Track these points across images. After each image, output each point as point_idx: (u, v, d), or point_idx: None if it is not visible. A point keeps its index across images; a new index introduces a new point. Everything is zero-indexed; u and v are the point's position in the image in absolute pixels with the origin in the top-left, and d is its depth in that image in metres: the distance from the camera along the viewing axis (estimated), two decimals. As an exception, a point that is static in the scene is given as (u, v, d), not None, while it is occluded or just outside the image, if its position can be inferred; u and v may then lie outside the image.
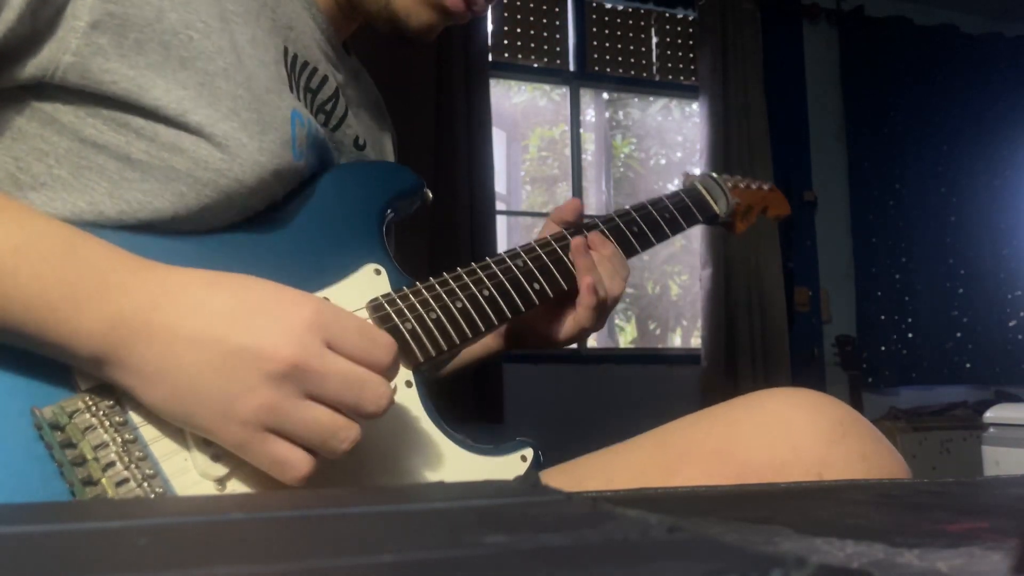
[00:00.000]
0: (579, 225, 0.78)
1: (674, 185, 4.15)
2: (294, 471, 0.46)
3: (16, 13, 0.49)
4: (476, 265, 0.68)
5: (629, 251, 0.79)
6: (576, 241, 0.73)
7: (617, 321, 4.00)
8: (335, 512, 0.27)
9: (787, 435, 0.55)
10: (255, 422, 0.45)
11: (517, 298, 0.68)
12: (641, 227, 0.80)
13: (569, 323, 0.75)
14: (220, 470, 0.49)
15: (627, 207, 0.82)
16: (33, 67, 0.51)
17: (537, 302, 0.70)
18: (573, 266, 0.73)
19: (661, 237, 0.82)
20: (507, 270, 0.69)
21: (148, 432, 0.49)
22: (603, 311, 0.75)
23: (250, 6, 0.60)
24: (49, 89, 0.52)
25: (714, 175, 0.91)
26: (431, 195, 0.72)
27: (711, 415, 0.61)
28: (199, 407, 0.45)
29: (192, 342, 0.45)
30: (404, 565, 0.18)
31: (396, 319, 0.60)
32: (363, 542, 0.22)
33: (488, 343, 0.84)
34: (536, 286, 0.70)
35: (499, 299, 0.67)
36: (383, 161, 0.80)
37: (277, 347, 0.45)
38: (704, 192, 0.89)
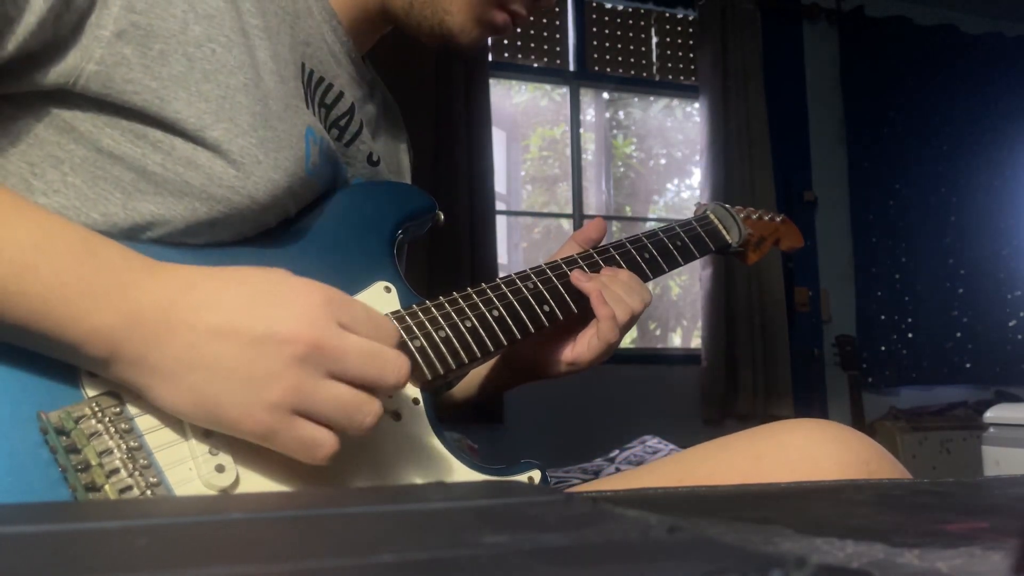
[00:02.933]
0: (592, 249, 0.78)
1: (674, 185, 4.15)
2: (322, 449, 0.48)
3: (38, 17, 0.49)
4: (486, 285, 0.68)
5: (641, 277, 0.78)
6: (575, 274, 0.73)
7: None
8: (335, 512, 0.27)
9: (812, 473, 0.54)
10: (283, 406, 0.46)
11: (527, 319, 0.68)
12: (652, 254, 0.80)
13: (594, 343, 0.73)
14: (224, 480, 0.49)
15: (639, 234, 0.82)
16: (56, 74, 0.51)
17: (547, 324, 0.70)
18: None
19: (672, 265, 0.82)
20: (517, 291, 0.69)
21: (153, 440, 0.49)
22: (624, 324, 0.74)
23: (270, 21, 0.60)
24: (70, 97, 0.52)
25: (727, 205, 0.91)
26: (443, 217, 0.73)
27: (734, 446, 0.60)
28: (224, 398, 0.46)
29: (213, 335, 0.46)
30: (404, 565, 0.18)
31: (404, 336, 0.60)
32: (363, 542, 0.22)
33: (502, 376, 0.82)
34: (546, 308, 0.70)
35: (508, 320, 0.67)
36: (397, 182, 0.81)
37: (296, 331, 0.46)
38: (717, 222, 0.89)
